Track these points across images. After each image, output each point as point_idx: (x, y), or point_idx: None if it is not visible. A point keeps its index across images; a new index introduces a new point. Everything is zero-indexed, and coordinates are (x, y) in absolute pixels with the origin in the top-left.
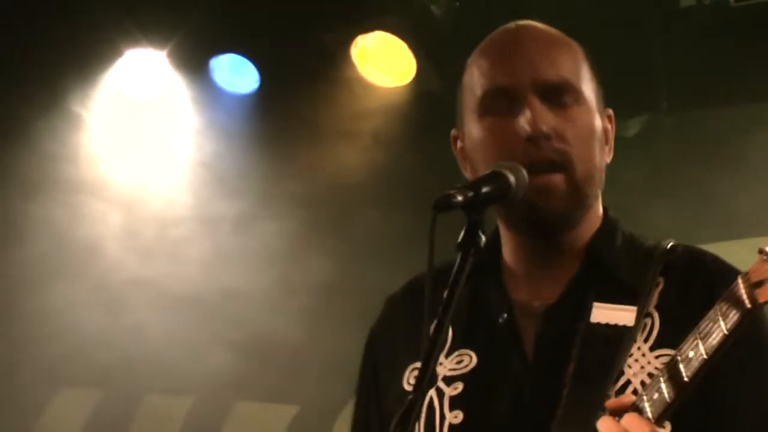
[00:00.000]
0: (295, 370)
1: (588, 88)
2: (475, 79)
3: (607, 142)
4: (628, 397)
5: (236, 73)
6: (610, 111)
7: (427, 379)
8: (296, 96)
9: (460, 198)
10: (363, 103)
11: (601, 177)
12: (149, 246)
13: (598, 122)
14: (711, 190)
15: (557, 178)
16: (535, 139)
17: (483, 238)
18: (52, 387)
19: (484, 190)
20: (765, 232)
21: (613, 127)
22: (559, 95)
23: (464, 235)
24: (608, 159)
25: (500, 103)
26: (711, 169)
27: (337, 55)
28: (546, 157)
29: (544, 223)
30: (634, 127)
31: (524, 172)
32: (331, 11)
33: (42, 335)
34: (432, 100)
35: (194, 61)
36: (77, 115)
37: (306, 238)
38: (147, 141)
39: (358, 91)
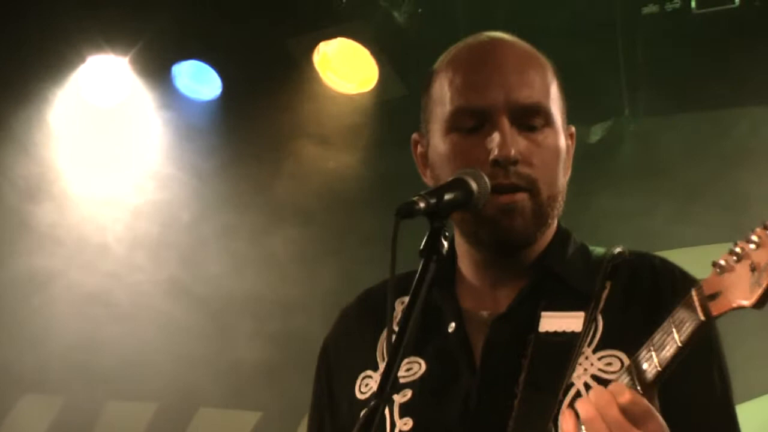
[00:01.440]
0: (257, 377)
1: (556, 108)
2: (445, 91)
3: (568, 158)
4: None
5: (198, 80)
6: (572, 128)
7: (389, 384)
8: (259, 102)
9: (422, 205)
10: (325, 109)
11: (562, 197)
12: (110, 255)
13: (563, 143)
14: (672, 196)
15: (521, 197)
16: (503, 163)
17: (446, 245)
18: (15, 394)
19: (447, 197)
20: (722, 238)
21: (574, 143)
22: (530, 118)
23: (426, 241)
24: (568, 174)
25: (469, 121)
26: (672, 174)
27: (299, 62)
28: (511, 182)
29: (508, 241)
30: (596, 133)
31: (486, 179)
32: (294, 18)
33: (3, 342)
34: (395, 106)
35: (156, 68)
36: (38, 120)
37: (270, 247)
38: (108, 147)
39: (321, 97)
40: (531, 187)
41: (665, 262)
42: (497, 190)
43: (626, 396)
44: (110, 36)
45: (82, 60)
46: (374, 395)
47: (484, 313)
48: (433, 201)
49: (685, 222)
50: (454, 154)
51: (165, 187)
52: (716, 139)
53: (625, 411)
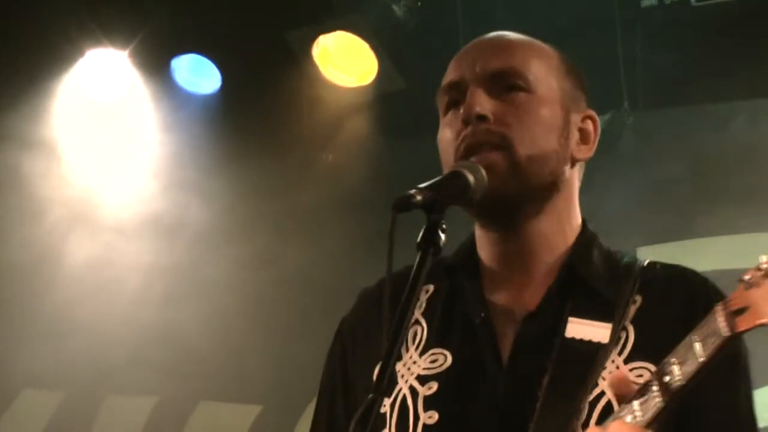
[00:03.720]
0: (257, 370)
1: (546, 81)
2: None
3: (585, 141)
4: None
5: (198, 74)
6: (591, 112)
7: (386, 378)
8: (258, 96)
9: (419, 198)
10: (325, 102)
11: (554, 166)
12: (110, 248)
13: (553, 113)
14: (671, 190)
15: (494, 156)
16: (469, 120)
17: (443, 238)
18: (14, 388)
19: (444, 190)
20: (721, 231)
21: (597, 129)
22: (503, 81)
23: (423, 234)
24: (580, 155)
25: (451, 97)
26: (672, 168)
27: (298, 55)
28: (480, 138)
29: (492, 204)
30: None
31: (483, 172)
32: (293, 11)
33: (1, 337)
34: (394, 99)
35: (156, 62)
36: (38, 115)
37: (270, 239)
38: (108, 141)
39: (320, 90)
40: (503, 144)
41: (699, 277)
42: (470, 151)
43: None
44: (109, 30)
45: (81, 54)
46: (372, 389)
47: (512, 308)
48: (429, 194)
49: (684, 215)
50: (443, 133)
51: (165, 181)
52: (715, 132)
53: None
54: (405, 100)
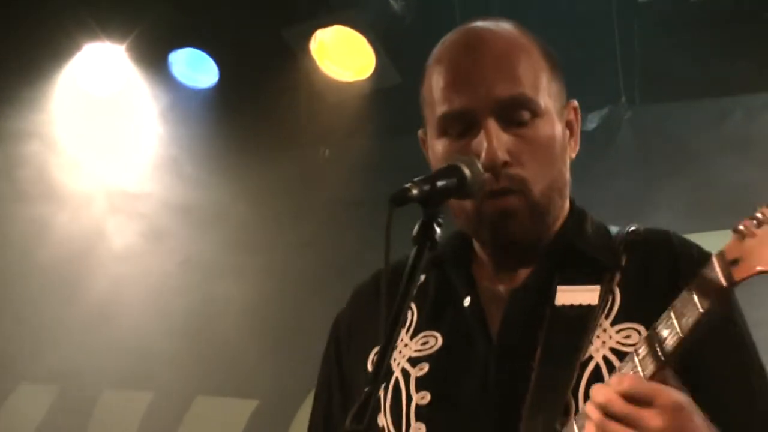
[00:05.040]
0: (254, 364)
1: (546, 95)
2: (432, 93)
3: (572, 135)
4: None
5: (195, 68)
6: (575, 102)
7: (383, 372)
8: (256, 90)
9: (416, 192)
10: (322, 97)
11: (563, 185)
12: (106, 242)
13: (557, 129)
14: (669, 184)
15: (513, 200)
16: (491, 168)
17: (438, 232)
18: (10, 383)
19: (440, 183)
20: (719, 225)
21: (579, 117)
22: (515, 112)
23: (419, 228)
24: (573, 154)
25: (457, 125)
26: (671, 163)
27: (296, 50)
28: (502, 186)
29: (508, 245)
30: (593, 121)
31: (479, 166)
32: (291, 5)
33: None
34: (391, 94)
35: (153, 56)
36: (35, 109)
37: (269, 232)
38: (105, 135)
39: (318, 85)
40: (521, 188)
41: (683, 240)
42: (490, 195)
43: (625, 383)
44: (106, 24)
45: (78, 48)
46: (368, 380)
47: (501, 288)
48: (426, 188)
49: (682, 209)
50: (447, 159)
51: (162, 175)
52: (712, 127)
53: (630, 398)
54: (402, 95)
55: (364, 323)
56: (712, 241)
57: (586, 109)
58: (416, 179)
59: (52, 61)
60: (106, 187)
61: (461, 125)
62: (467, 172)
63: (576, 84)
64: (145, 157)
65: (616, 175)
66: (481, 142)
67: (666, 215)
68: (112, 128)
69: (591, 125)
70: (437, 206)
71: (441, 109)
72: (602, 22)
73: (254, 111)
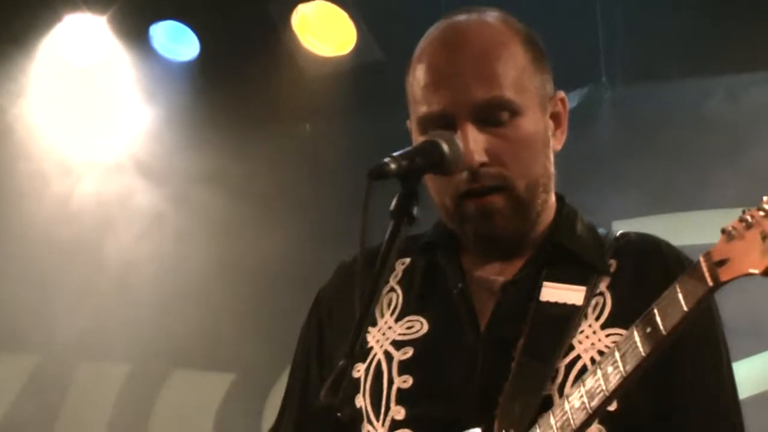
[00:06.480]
0: (231, 338)
1: (527, 92)
2: (414, 90)
3: (558, 126)
4: None
5: (176, 41)
6: (562, 94)
7: (357, 345)
8: (237, 63)
9: (394, 166)
10: (303, 71)
11: (546, 179)
12: (85, 214)
13: (539, 125)
14: (650, 165)
15: (495, 199)
16: (471, 169)
17: (416, 208)
18: None
19: (419, 159)
20: (701, 206)
21: (566, 109)
22: (493, 113)
23: (397, 203)
24: (558, 146)
25: (435, 127)
26: (649, 142)
27: (277, 23)
28: (482, 185)
29: (493, 243)
30: (572, 101)
31: (458, 143)
32: None
33: None
34: (373, 69)
35: (134, 28)
36: (15, 80)
37: (247, 209)
38: (86, 107)
39: (299, 59)
40: (504, 185)
41: (671, 247)
42: (471, 194)
43: None
44: None
45: (58, 19)
46: (344, 355)
47: (491, 279)
48: (404, 163)
49: (661, 189)
50: None
51: (141, 147)
52: (694, 107)
53: None
54: (383, 71)
55: (346, 300)
56: (695, 220)
57: (565, 88)
58: (395, 154)
59: (32, 31)
60: (82, 157)
61: (440, 127)
62: (446, 148)
63: (557, 62)
64: (124, 129)
65: (595, 155)
66: None
67: (645, 194)
68: (93, 99)
69: (571, 104)
70: (416, 181)
71: (421, 109)
72: (584, 0)
73: (235, 84)
